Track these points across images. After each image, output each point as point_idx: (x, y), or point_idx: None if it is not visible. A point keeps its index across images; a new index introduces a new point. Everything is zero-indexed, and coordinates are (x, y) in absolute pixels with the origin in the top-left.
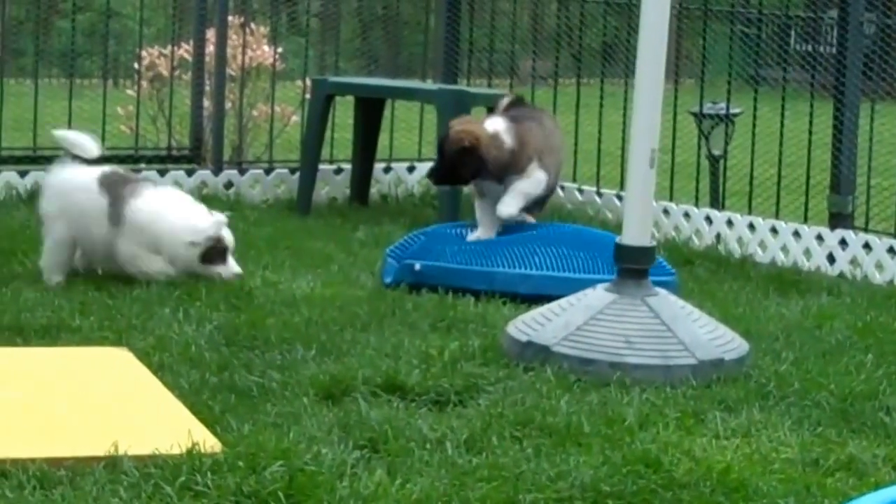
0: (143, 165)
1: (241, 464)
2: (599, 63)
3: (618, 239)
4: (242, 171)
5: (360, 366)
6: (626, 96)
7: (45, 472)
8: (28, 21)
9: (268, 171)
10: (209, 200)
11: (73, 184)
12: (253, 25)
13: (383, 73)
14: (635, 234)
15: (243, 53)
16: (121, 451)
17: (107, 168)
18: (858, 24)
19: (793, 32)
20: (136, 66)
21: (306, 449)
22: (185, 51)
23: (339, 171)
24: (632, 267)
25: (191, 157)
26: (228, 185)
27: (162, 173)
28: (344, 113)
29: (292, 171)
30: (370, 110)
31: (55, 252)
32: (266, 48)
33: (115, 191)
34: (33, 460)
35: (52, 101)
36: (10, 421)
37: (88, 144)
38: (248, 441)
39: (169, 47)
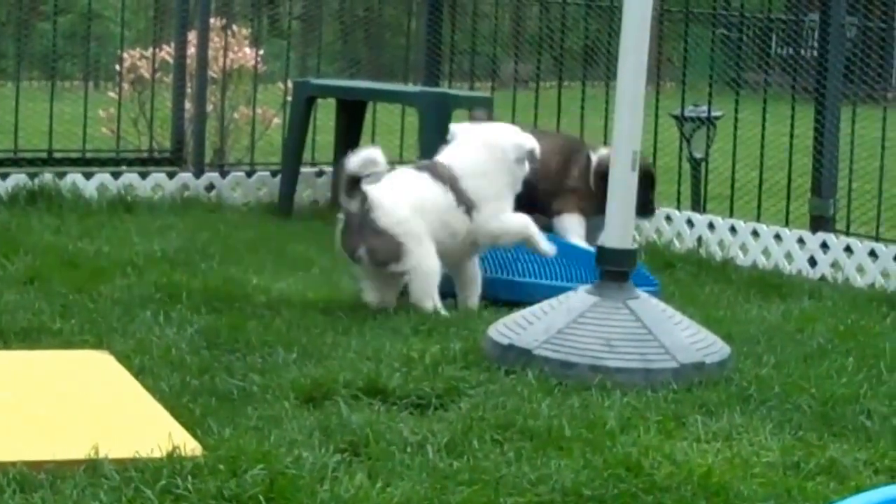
0: (124, 168)
1: (221, 467)
2: (581, 66)
3: (599, 241)
4: (224, 174)
5: (341, 369)
6: (607, 99)
7: (25, 476)
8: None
9: (249, 174)
10: (190, 203)
11: (423, 193)
12: (234, 28)
13: (365, 76)
14: (617, 237)
15: (225, 56)
16: (101, 455)
17: (403, 168)
18: (840, 26)
19: (774, 36)
20: (117, 68)
21: (287, 452)
22: (166, 53)
23: (320, 173)
24: (614, 269)
25: (172, 160)
26: (210, 187)
27: (143, 176)
28: (326, 115)
29: (274, 174)
30: (352, 113)
31: (432, 276)
32: (247, 50)
33: (445, 178)
34: (13, 463)
35: (32, 104)
36: None
37: (379, 157)
38: (228, 444)
39: (150, 49)
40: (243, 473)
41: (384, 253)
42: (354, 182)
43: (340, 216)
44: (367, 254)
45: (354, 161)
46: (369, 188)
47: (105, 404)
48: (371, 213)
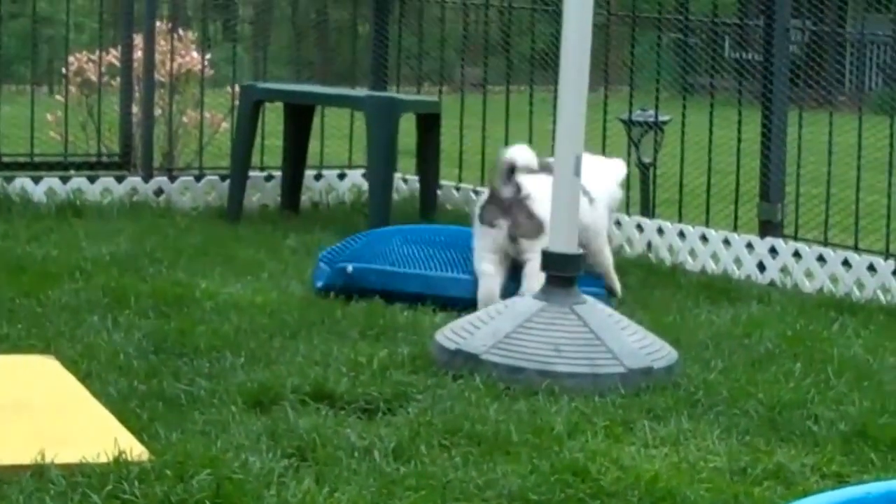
0: (72, 172)
1: (168, 472)
2: (529, 70)
3: (544, 246)
4: (172, 178)
5: (288, 374)
6: (555, 103)
7: None
8: None
9: (198, 178)
10: (139, 207)
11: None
12: (181, 31)
13: (317, 80)
14: (562, 242)
15: (171, 59)
16: (48, 460)
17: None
18: (784, 30)
19: (727, 40)
20: (63, 71)
21: (234, 457)
22: (113, 56)
23: (269, 177)
24: (560, 275)
25: (120, 164)
26: (158, 191)
27: (91, 180)
28: (275, 119)
29: (223, 178)
30: (300, 117)
31: None
32: (195, 54)
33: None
34: None
35: None
36: None
37: (531, 155)
38: (175, 449)
39: (97, 52)
40: (190, 478)
41: (525, 229)
42: (511, 171)
43: (483, 193)
44: (509, 226)
45: (517, 153)
46: (525, 179)
47: (51, 409)
48: (526, 199)
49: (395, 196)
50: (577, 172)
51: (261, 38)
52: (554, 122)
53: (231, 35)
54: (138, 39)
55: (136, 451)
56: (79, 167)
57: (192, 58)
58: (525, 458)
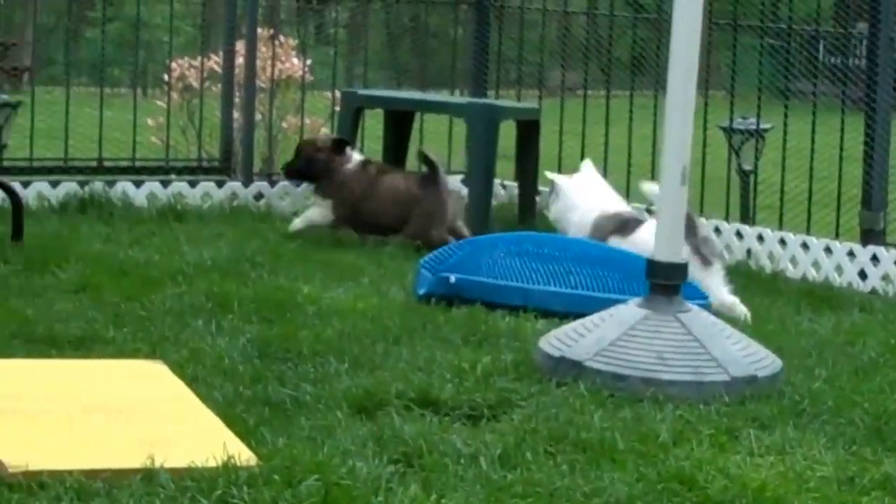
0: (173, 177)
1: (276, 477)
2: (629, 75)
3: (649, 255)
4: (272, 183)
5: (393, 379)
6: (655, 109)
7: (82, 484)
8: (58, 30)
9: (298, 183)
10: (239, 212)
11: None
12: (282, 37)
13: (412, 85)
14: (667, 251)
15: (273, 65)
16: (157, 464)
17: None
18: (889, 39)
19: (821, 45)
20: (165, 77)
21: (341, 463)
22: (214, 62)
23: None
24: (664, 283)
25: (221, 169)
26: (258, 196)
27: (192, 184)
28: (375, 122)
29: None
30: (400, 122)
31: None
32: (295, 60)
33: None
34: (70, 472)
35: (80, 109)
36: (47, 433)
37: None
38: (283, 454)
39: (199, 59)
40: (298, 484)
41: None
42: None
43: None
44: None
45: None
46: None
47: (160, 414)
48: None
49: (493, 201)
50: (684, 182)
51: (356, 42)
52: (654, 128)
53: (325, 39)
54: (238, 45)
55: (243, 456)
56: (179, 172)
57: (293, 64)
58: (631, 466)
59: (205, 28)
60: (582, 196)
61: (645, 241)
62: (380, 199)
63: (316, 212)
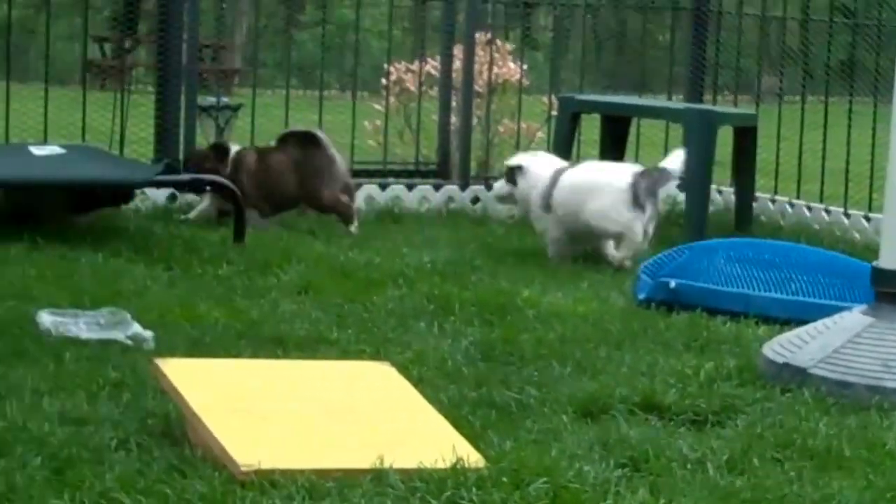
0: (391, 179)
1: (505, 479)
2: (844, 81)
3: (875, 262)
4: (489, 187)
5: (616, 384)
6: (874, 115)
7: (314, 483)
8: (266, 32)
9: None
10: (456, 215)
11: None
12: (498, 42)
13: (621, 89)
14: (894, 258)
15: (490, 69)
16: (386, 464)
17: None
18: None
19: None
20: (383, 81)
21: (568, 466)
22: (431, 66)
23: None
24: (890, 291)
25: (437, 172)
26: (475, 200)
27: (410, 188)
28: (589, 128)
29: None
30: (616, 127)
31: None
32: (511, 65)
33: None
34: (302, 471)
35: (291, 112)
36: (278, 432)
37: None
38: (510, 457)
39: (416, 63)
40: (526, 486)
41: None
42: None
43: None
44: None
45: None
46: None
47: (388, 415)
48: None
49: (710, 208)
50: None
51: (562, 46)
52: (873, 135)
53: (532, 44)
54: (456, 50)
55: (472, 458)
56: (397, 174)
57: (509, 68)
58: (860, 474)
59: (416, 31)
60: (545, 170)
61: (564, 185)
62: (272, 175)
63: (206, 204)
